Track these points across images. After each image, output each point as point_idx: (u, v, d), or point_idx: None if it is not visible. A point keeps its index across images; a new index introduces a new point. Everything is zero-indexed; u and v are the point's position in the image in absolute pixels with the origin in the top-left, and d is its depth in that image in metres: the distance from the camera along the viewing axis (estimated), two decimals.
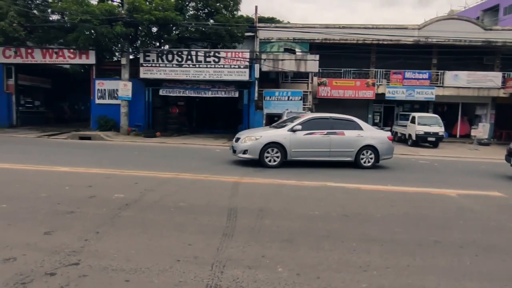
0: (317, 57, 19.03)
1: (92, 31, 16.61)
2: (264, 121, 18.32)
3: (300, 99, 18.73)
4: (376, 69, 22.42)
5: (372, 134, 10.08)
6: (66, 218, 4.58)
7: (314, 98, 20.54)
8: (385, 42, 20.62)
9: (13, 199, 5.38)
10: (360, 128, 9.99)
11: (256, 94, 18.50)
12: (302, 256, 3.69)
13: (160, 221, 4.65)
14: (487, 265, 3.71)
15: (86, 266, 3.27)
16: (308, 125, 9.67)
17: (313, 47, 21.76)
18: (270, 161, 9.38)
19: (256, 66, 17.93)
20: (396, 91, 21.21)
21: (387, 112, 23.69)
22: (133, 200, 5.53)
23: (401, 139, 19.71)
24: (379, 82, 21.64)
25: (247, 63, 17.75)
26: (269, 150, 9.35)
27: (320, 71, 20.85)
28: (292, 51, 20.82)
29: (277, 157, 9.38)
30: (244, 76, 17.75)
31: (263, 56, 19.10)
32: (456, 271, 3.52)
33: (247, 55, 18.09)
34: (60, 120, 23.79)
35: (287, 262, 3.53)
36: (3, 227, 4.25)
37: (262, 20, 21.29)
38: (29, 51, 18.52)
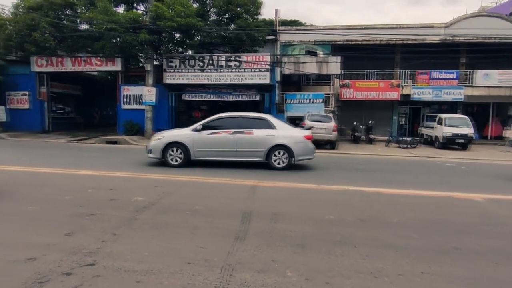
0: (339, 58, 18.82)
1: (118, 39, 17.22)
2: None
3: (322, 102, 18.58)
4: (401, 70, 21.87)
5: (285, 133, 9.45)
6: (86, 220, 4.77)
7: (336, 100, 20.31)
8: (410, 42, 20.10)
9: (40, 202, 5.65)
10: (272, 127, 9.45)
11: (277, 97, 18.52)
12: (312, 261, 3.66)
13: (175, 224, 4.74)
14: (507, 274, 3.54)
15: (100, 266, 3.39)
16: (214, 125, 9.51)
17: (335, 49, 21.52)
18: (172, 160, 9.37)
19: (277, 69, 17.95)
20: (422, 92, 20.59)
21: (413, 114, 23.03)
22: (151, 203, 5.67)
23: (428, 141, 19.11)
24: (404, 83, 21.08)
25: (268, 67, 17.81)
26: (173, 149, 9.35)
27: (343, 73, 20.59)
28: (314, 54, 20.68)
29: (180, 157, 9.35)
30: (265, 79, 17.82)
31: (284, 59, 19.09)
32: (473, 280, 3.38)
33: (268, 58, 18.15)
34: (89, 125, 24.74)
35: (297, 266, 3.51)
36: (28, 228, 4.47)
37: (284, 23, 21.30)
38: (60, 59, 19.41)
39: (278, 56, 19.42)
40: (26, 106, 20.22)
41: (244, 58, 18.00)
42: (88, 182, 7.37)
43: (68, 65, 19.48)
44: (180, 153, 9.38)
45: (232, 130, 9.40)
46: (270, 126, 9.49)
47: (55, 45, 18.25)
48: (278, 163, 9.39)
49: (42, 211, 5.18)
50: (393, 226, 4.93)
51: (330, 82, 20.40)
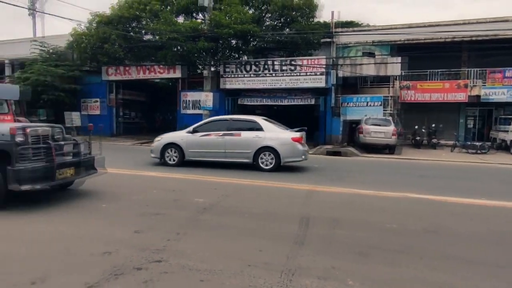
0: (399, 59, 17.98)
1: (179, 48, 18.17)
2: (341, 128, 17.90)
3: (381, 105, 17.86)
4: (469, 69, 20.26)
5: (272, 135, 9.57)
6: (153, 219, 5.09)
7: (396, 103, 19.38)
8: (480, 38, 18.55)
9: (111, 200, 6.14)
10: (260, 129, 9.64)
11: (333, 101, 18.19)
12: (374, 271, 3.55)
13: (234, 226, 4.88)
14: None
15: (167, 264, 3.60)
16: (206, 127, 10.06)
17: (395, 49, 20.60)
18: (170, 160, 10.10)
19: (333, 72, 17.64)
20: (494, 92, 18.87)
21: (484, 116, 21.18)
22: (211, 205, 5.89)
23: (502, 147, 17.45)
24: (473, 82, 19.50)
25: (324, 70, 17.57)
26: (170, 150, 10.07)
27: (403, 74, 19.61)
28: (372, 55, 19.99)
29: (176, 157, 10.06)
30: (320, 82, 17.60)
31: (340, 61, 18.70)
32: None
33: (324, 61, 17.92)
34: (152, 129, 26.31)
35: (358, 275, 3.43)
36: (103, 224, 4.88)
37: (339, 25, 20.86)
38: (127, 68, 20.95)
39: (334, 59, 19.09)
40: (98, 112, 22.10)
41: (299, 62, 17.96)
42: (152, 182, 7.86)
43: (134, 74, 20.96)
44: (176, 154, 10.09)
45: (222, 132, 9.84)
46: (258, 128, 9.76)
47: (123, 55, 19.75)
48: (266, 165, 9.57)
49: (113, 209, 5.63)
50: (463, 237, 4.60)
51: (389, 84, 19.53)
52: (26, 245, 4.07)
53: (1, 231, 4.56)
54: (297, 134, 9.77)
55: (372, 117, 16.30)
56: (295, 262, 3.67)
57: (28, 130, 5.50)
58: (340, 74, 18.16)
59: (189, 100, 20.46)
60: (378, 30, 20.67)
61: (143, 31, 19.87)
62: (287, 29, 19.57)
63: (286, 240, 4.32)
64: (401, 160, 13.91)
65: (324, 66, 17.70)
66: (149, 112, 26.99)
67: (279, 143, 9.50)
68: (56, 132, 6.08)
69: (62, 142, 6.11)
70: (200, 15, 20.42)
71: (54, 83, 19.87)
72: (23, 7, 29.16)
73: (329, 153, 14.90)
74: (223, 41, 18.43)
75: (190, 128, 10.24)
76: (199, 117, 19.42)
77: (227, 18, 17.40)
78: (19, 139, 5.27)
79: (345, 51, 20.95)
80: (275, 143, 9.48)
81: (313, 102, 18.54)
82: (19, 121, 7.81)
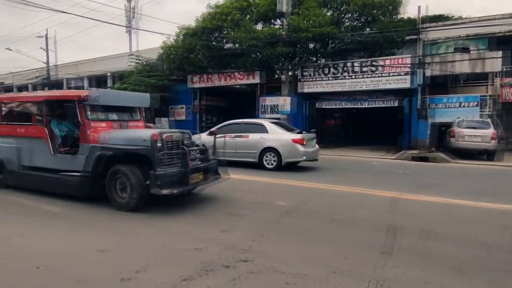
0: (500, 53, 15.99)
1: (258, 54, 18.68)
2: (428, 131, 16.56)
3: (477, 105, 16.06)
4: None
5: (275, 136, 10.26)
6: (238, 220, 5.31)
7: (496, 103, 17.24)
8: None
9: (197, 200, 6.56)
10: (265, 131, 10.38)
11: (419, 102, 16.91)
12: None
13: (316, 231, 4.84)
14: None
15: (252, 264, 3.72)
16: (222, 130, 10.73)
17: (494, 42, 18.34)
18: None
19: (419, 72, 16.40)
20: None
21: None
22: (293, 208, 5.94)
23: None
24: None
25: (409, 69, 16.46)
26: None
27: (504, 69, 17.38)
28: (465, 50, 18.11)
29: None
30: (404, 83, 16.52)
31: (428, 59, 17.32)
32: None
33: (408, 60, 16.79)
34: None
35: None
36: (193, 223, 5.24)
37: (426, 20, 19.31)
38: (210, 76, 22.21)
39: (421, 57, 17.75)
40: (183, 118, 23.80)
41: (381, 62, 17.10)
42: (236, 184, 8.18)
43: (216, 81, 22.12)
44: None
45: (234, 134, 10.74)
46: (264, 130, 10.53)
47: (207, 64, 21.02)
48: (269, 164, 10.22)
49: (200, 210, 6.00)
50: None
51: (486, 82, 17.48)
52: (129, 239, 4.58)
53: (122, 228, 5.20)
54: (297, 136, 10.41)
55: (467, 119, 14.73)
56: (383, 273, 3.51)
57: (165, 136, 5.68)
58: (428, 73, 16.80)
59: (267, 105, 20.87)
60: (473, 22, 18.63)
61: (224, 40, 20.87)
62: (368, 29, 18.79)
63: (372, 248, 4.15)
64: (503, 167, 12.33)
65: (409, 65, 16.56)
66: (229, 117, 28.14)
67: (280, 144, 10.17)
68: (185, 138, 6.19)
69: (195, 147, 6.33)
70: (278, 21, 20.74)
71: (147, 92, 21.96)
72: (121, 25, 32.89)
73: (415, 158, 13.88)
74: (301, 45, 18.43)
75: (208, 131, 10.92)
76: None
77: (305, 22, 17.38)
78: (159, 145, 5.47)
79: (433, 48, 19.32)
80: (277, 144, 10.18)
81: (396, 104, 17.47)
82: (148, 127, 8.26)
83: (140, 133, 6.15)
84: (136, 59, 24.25)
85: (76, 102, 6.16)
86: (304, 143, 10.24)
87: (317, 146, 11.34)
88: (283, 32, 18.46)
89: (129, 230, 4.89)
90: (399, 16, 18.99)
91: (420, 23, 19.03)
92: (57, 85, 31.00)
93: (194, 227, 5.02)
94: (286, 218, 5.42)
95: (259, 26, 20.22)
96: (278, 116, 19.60)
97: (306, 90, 19.08)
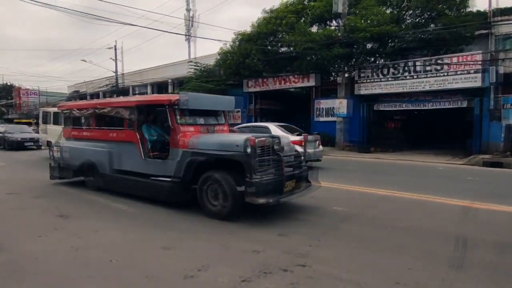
0: None
1: (313, 56, 18.49)
2: (503, 134, 15.10)
3: None
4: None
5: None
6: (294, 224, 5.29)
7: None
8: None
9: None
10: (269, 133, 10.04)
11: (492, 102, 15.51)
12: None
13: (376, 238, 4.66)
14: None
15: (311, 269, 3.68)
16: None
17: None
18: None
19: (491, 69, 15.04)
20: None
21: None
22: (351, 214, 5.78)
23: None
24: None
25: (479, 67, 15.17)
26: None
27: None
28: None
29: None
30: (474, 82, 15.25)
31: (501, 55, 15.81)
32: None
33: (479, 57, 15.46)
34: None
35: None
36: (251, 224, 5.31)
37: (498, 12, 17.61)
38: (264, 80, 22.46)
39: (493, 53, 16.27)
40: (239, 121, 24.29)
41: (447, 60, 15.97)
42: None
43: (271, 84, 22.31)
44: None
45: None
46: (268, 132, 10.59)
47: (262, 68, 21.30)
48: None
49: (257, 212, 6.07)
50: None
51: None
52: (192, 237, 4.80)
53: (184, 227, 5.50)
54: (296, 138, 10.52)
55: None
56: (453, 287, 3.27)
57: (258, 140, 5.33)
58: (501, 70, 15.35)
59: (322, 108, 20.56)
60: None
61: (279, 44, 21.00)
62: (432, 25, 17.66)
63: (439, 260, 3.89)
64: None
65: (480, 62, 15.26)
66: (284, 120, 28.14)
67: None
68: (275, 143, 5.78)
69: (290, 153, 6.02)
70: (334, 22, 20.37)
71: None
72: (181, 34, 34.62)
73: (487, 164, 12.71)
74: (358, 45, 17.91)
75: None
76: (332, 124, 19.34)
77: (362, 21, 16.86)
78: (253, 150, 5.17)
79: (506, 43, 17.59)
80: None
81: (464, 104, 16.17)
82: (233, 131, 8.05)
83: (232, 137, 5.88)
84: (195, 66, 25.35)
85: (167, 106, 6.14)
86: (303, 145, 10.17)
87: (321, 147, 11.99)
88: (339, 33, 18.08)
89: (191, 229, 5.11)
90: (467, 10, 17.60)
91: (491, 16, 17.46)
92: (124, 92, 33.49)
93: (252, 228, 5.10)
94: (345, 224, 5.28)
95: (314, 28, 20.04)
96: (334, 119, 19.21)
97: (363, 91, 18.46)
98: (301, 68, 19.22)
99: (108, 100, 8.87)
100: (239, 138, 5.48)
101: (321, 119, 20.53)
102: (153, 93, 31.77)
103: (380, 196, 7.29)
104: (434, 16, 17.41)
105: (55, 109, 13.69)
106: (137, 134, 6.68)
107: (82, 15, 46.52)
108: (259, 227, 5.16)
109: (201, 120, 6.69)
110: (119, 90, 33.76)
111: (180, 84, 28.09)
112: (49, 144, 14.03)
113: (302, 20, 19.57)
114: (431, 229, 5.07)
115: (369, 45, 18.31)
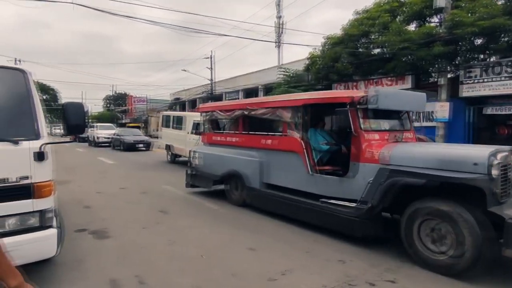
0: None
1: (409, 57, 17.20)
2: None
3: None
4: None
5: None
6: (385, 237, 4.98)
7: None
8: None
9: None
10: None
11: None
12: None
13: None
14: None
15: (399, 286, 3.44)
16: None
17: None
18: None
19: None
20: None
21: None
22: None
23: None
24: None
25: None
26: None
27: None
28: None
29: None
30: None
31: None
32: None
33: None
34: None
35: None
36: (338, 234, 5.18)
37: None
38: (355, 84, 21.64)
39: None
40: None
41: None
42: None
43: (361, 88, 21.41)
44: None
45: None
46: None
47: (352, 72, 20.60)
48: None
49: None
50: None
51: None
52: (277, 241, 4.88)
53: (270, 230, 5.67)
54: None
55: None
56: None
57: (500, 156, 3.72)
58: None
59: (419, 112, 18.94)
60: None
61: (371, 46, 20.07)
62: None
63: None
64: None
65: None
66: None
67: None
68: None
69: None
70: (435, 18, 18.67)
71: None
72: (271, 41, 35.55)
73: None
74: (464, 42, 16.08)
75: None
76: (431, 129, 17.66)
77: (469, 15, 15.10)
78: (496, 171, 3.57)
79: None
80: None
81: None
82: (421, 140, 5.99)
83: (457, 151, 4.06)
84: (284, 71, 25.74)
85: (348, 106, 4.75)
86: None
87: None
88: (440, 30, 16.49)
89: (277, 233, 5.20)
90: None
91: None
92: (218, 98, 35.72)
93: (339, 237, 4.95)
94: None
95: (411, 27, 18.68)
96: (433, 124, 17.51)
97: (469, 93, 16.44)
98: (396, 70, 18.02)
99: (262, 99, 7.81)
100: (473, 151, 3.82)
101: (416, 124, 18.91)
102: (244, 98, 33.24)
103: None
104: None
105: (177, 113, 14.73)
106: (302, 142, 5.39)
107: (181, 29, 51.11)
108: (346, 238, 4.99)
109: (385, 125, 5.18)
110: (214, 96, 36.14)
111: (269, 90, 28.80)
112: (168, 147, 15.22)
113: (397, 19, 18.39)
114: None
115: (477, 41, 16.31)
